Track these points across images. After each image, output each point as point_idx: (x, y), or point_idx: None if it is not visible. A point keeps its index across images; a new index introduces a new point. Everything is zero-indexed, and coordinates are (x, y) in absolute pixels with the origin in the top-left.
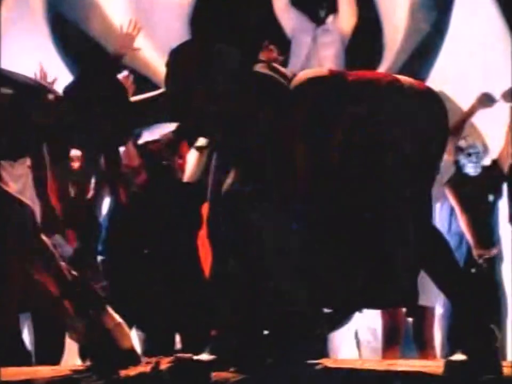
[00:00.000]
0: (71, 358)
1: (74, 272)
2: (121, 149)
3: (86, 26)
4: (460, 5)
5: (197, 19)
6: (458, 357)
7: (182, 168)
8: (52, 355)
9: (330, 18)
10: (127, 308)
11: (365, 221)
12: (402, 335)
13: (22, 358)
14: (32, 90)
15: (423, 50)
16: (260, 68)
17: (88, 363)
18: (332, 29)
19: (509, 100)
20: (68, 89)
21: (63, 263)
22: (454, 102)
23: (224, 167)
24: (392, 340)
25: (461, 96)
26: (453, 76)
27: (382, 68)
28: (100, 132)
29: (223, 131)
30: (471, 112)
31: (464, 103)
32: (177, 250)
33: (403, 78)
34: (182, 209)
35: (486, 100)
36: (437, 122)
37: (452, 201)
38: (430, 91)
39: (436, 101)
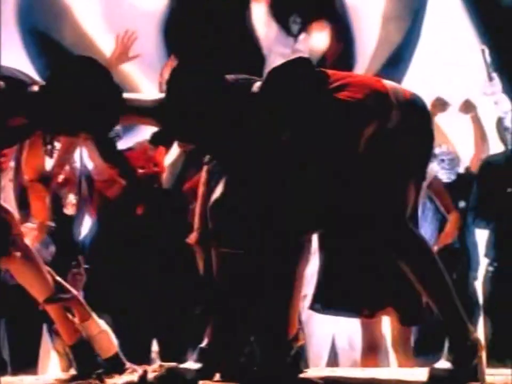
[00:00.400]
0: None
1: (59, 279)
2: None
3: (59, 36)
4: (431, 16)
5: (169, 26)
6: (443, 364)
7: (158, 176)
8: (27, 363)
9: (303, 36)
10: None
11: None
12: (382, 344)
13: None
14: (17, 81)
15: (395, 61)
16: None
17: (72, 372)
18: (303, 50)
19: (466, 111)
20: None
21: (48, 269)
22: None
23: (217, 178)
24: (372, 349)
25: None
26: (424, 86)
27: None
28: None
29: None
30: None
31: None
32: (158, 258)
33: (389, 84)
34: (160, 217)
35: (439, 104)
36: (424, 130)
37: (438, 202)
38: (417, 97)
39: (423, 108)
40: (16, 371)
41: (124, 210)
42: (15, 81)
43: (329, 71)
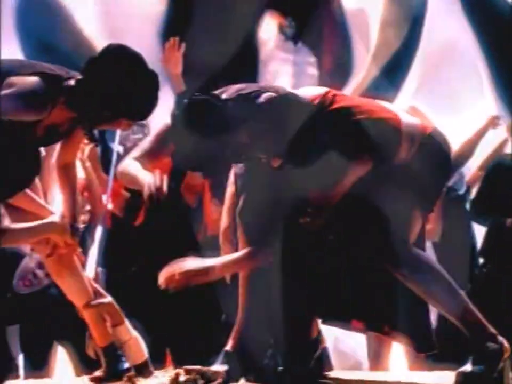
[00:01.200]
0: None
1: (96, 285)
2: None
3: (57, 38)
4: (430, 21)
5: (168, 28)
6: (469, 368)
7: None
8: (39, 367)
9: (299, 45)
10: None
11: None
12: (390, 347)
13: (10, 371)
14: (52, 76)
15: (393, 67)
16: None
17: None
18: (302, 61)
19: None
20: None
21: (87, 275)
22: (426, 117)
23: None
24: (382, 352)
25: (432, 111)
26: (424, 91)
27: (352, 84)
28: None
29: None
30: (482, 133)
31: (435, 118)
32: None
33: (406, 120)
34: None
35: (496, 122)
36: (440, 165)
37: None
38: (437, 133)
39: (442, 144)
40: (29, 376)
41: (126, 220)
42: (50, 76)
43: (352, 97)
